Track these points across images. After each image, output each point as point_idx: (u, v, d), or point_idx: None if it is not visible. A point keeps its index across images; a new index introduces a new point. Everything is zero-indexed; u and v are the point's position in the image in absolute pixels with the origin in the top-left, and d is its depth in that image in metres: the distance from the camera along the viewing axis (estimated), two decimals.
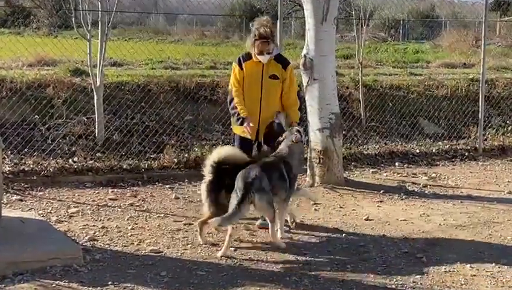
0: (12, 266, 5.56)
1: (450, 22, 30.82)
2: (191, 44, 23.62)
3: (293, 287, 5.53)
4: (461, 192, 9.04)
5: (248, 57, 7.15)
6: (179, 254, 6.26)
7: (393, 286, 5.60)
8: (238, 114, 7.04)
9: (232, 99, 7.15)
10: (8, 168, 8.74)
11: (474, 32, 25.55)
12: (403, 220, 7.60)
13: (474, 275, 5.90)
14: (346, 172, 9.71)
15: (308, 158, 9.29)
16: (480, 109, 11.95)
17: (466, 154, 11.51)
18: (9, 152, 9.19)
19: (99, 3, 9.54)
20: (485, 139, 12.14)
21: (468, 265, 6.12)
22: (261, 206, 6.25)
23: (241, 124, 7.02)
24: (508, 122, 13.18)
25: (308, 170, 9.27)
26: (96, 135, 9.77)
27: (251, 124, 6.96)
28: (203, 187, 6.58)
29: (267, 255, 6.32)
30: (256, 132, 7.13)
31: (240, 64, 7.13)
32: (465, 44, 23.58)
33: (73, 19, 10.02)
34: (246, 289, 5.45)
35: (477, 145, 11.80)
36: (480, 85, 12.06)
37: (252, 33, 7.06)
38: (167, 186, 8.85)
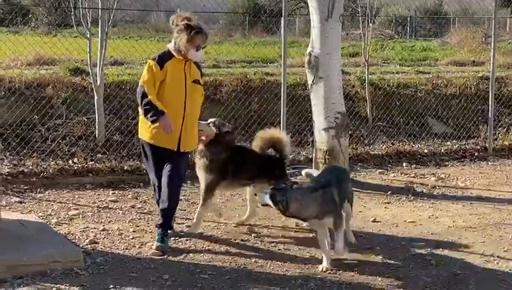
0: (12, 269, 5.57)
1: (459, 19, 30.73)
2: None
3: None
4: (471, 193, 9.04)
5: (169, 56, 6.36)
6: (182, 257, 6.27)
7: None
8: (156, 109, 6.13)
9: (143, 96, 6.22)
10: (7, 170, 8.76)
11: (484, 29, 25.50)
12: (411, 221, 7.60)
13: (485, 278, 5.89)
14: (353, 173, 9.71)
15: (314, 158, 9.30)
16: (490, 108, 11.94)
17: (476, 154, 11.50)
18: (8, 153, 9.23)
19: (99, 0, 9.56)
20: (495, 139, 12.12)
21: (479, 268, 6.12)
22: None
23: (155, 121, 6.17)
24: None
25: None
26: (97, 136, 9.79)
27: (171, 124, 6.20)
28: None
29: (273, 258, 6.32)
30: (178, 141, 6.36)
31: (160, 63, 6.27)
32: (474, 41, 23.51)
33: (72, 17, 10.06)
34: None
35: (487, 145, 11.79)
36: (490, 83, 12.05)
37: (184, 26, 6.25)
38: None
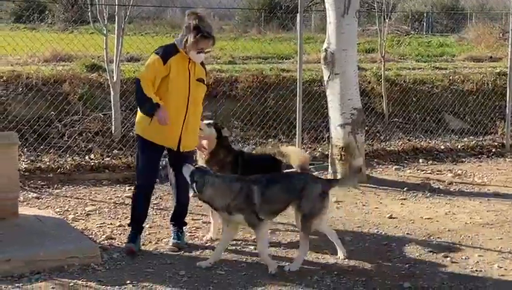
0: (30, 264, 5.60)
1: (476, 14, 30.59)
2: None
3: (315, 287, 5.53)
4: (488, 189, 8.99)
5: (174, 50, 6.13)
6: (198, 253, 6.28)
7: (419, 287, 5.57)
8: (150, 101, 5.93)
9: (139, 89, 6.02)
10: (25, 166, 8.81)
11: (501, 25, 25.33)
12: (428, 218, 7.58)
13: (502, 275, 5.87)
14: (369, 169, 9.70)
15: (330, 155, 9.29)
16: (507, 104, 11.85)
17: (493, 150, 11.44)
18: (25, 149, 9.28)
19: None
20: None
21: (496, 265, 6.09)
22: None
23: (152, 114, 5.96)
24: None
25: (329, 167, 9.27)
26: (113, 132, 9.82)
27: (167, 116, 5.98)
28: None
29: (288, 254, 6.33)
30: (178, 140, 6.18)
31: (164, 58, 6.05)
32: (491, 37, 23.38)
33: (89, 14, 10.09)
34: (266, 288, 5.47)
35: (504, 141, 11.73)
36: (508, 79, 11.96)
37: (192, 27, 6.01)
38: None
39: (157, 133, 6.11)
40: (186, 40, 6.04)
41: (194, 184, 5.79)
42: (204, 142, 6.67)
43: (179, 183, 6.33)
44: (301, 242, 5.98)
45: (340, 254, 6.20)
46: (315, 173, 9.46)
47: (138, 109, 6.22)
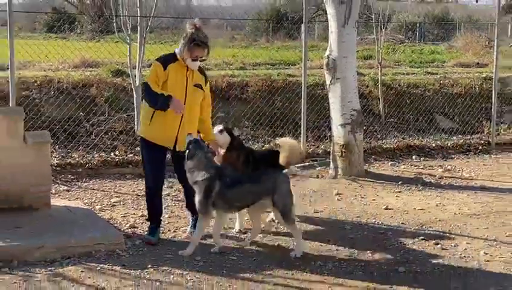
0: (61, 250, 5.62)
1: (464, 24, 30.44)
2: (222, 46, 23.61)
3: (318, 271, 5.52)
4: (475, 183, 8.95)
5: (173, 58, 6.07)
6: (212, 241, 6.27)
7: (412, 271, 5.56)
8: (162, 95, 5.87)
9: (147, 90, 6.00)
10: (56, 161, 8.84)
11: (487, 34, 25.23)
12: (420, 209, 7.55)
13: (488, 261, 5.84)
14: (367, 164, 9.67)
15: (331, 152, 9.27)
16: (492, 106, 11.82)
17: (479, 148, 11.38)
18: (57, 146, 9.30)
19: (138, 9, 9.58)
20: (498, 134, 12.00)
21: (482, 251, 6.06)
22: None
23: (167, 106, 5.88)
24: None
25: (331, 163, 9.25)
26: (136, 131, 9.81)
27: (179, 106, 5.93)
28: None
29: (294, 242, 6.30)
30: (175, 140, 6.08)
31: (163, 64, 5.99)
32: (478, 45, 23.27)
33: (114, 24, 10.08)
34: (274, 272, 5.46)
35: (490, 140, 11.67)
36: (493, 83, 11.93)
37: (188, 36, 5.97)
38: None
39: (156, 134, 6.05)
40: (182, 48, 6.00)
41: (187, 151, 5.80)
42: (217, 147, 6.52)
43: (182, 179, 6.21)
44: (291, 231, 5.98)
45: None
46: (317, 169, 9.49)
47: (142, 110, 6.19)
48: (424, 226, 6.87)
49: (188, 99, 6.05)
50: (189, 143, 5.83)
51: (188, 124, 6.08)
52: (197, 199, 5.83)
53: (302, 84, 10.18)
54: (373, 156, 10.43)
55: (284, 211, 5.86)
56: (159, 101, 5.92)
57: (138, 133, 6.33)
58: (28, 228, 5.95)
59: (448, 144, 11.39)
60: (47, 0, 33.58)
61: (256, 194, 5.88)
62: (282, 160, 6.24)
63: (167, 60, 6.05)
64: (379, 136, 11.52)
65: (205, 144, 6.08)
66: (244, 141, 9.18)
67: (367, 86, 12.67)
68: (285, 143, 6.53)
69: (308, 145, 10.35)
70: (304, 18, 10.19)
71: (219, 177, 5.79)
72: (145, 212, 7.00)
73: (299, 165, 9.65)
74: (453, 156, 10.86)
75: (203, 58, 6.08)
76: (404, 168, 9.86)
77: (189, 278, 5.27)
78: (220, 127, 6.67)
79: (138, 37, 9.66)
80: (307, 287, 5.16)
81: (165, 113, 5.96)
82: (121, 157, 9.26)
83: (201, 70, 6.24)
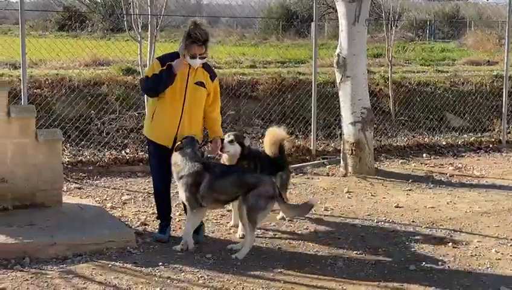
0: (72, 248, 5.64)
1: (475, 22, 30.33)
2: (232, 44, 23.63)
3: (328, 269, 5.52)
4: (486, 181, 8.91)
5: (176, 57, 5.94)
6: (223, 238, 6.28)
7: (423, 269, 5.54)
8: (161, 71, 5.79)
9: (146, 79, 5.98)
10: (68, 159, 8.87)
11: (498, 32, 25.10)
12: (431, 207, 7.52)
13: (499, 259, 5.82)
14: (377, 162, 9.64)
15: (342, 150, 9.25)
16: (503, 104, 11.76)
17: (490, 146, 11.34)
18: (68, 144, 9.33)
19: (149, 7, 9.60)
20: (509, 132, 11.94)
21: (493, 249, 6.04)
22: None
23: (173, 72, 5.80)
24: None
25: (341, 161, 9.23)
26: None
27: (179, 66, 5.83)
28: None
29: (304, 240, 6.31)
30: (173, 139, 5.95)
31: (162, 62, 5.91)
32: (488, 43, 23.18)
33: (125, 23, 10.10)
34: (284, 270, 5.45)
35: (501, 138, 11.62)
36: (504, 81, 11.86)
37: (186, 34, 5.88)
38: None
39: (156, 133, 6.03)
40: (181, 46, 5.94)
41: (179, 143, 5.81)
42: (225, 157, 6.43)
43: None
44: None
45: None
46: (328, 167, 9.48)
47: (147, 111, 6.12)
48: (434, 225, 6.85)
49: (188, 97, 5.94)
50: (184, 138, 5.83)
51: (188, 123, 5.98)
52: (184, 194, 5.80)
53: (313, 82, 10.17)
54: (383, 154, 10.40)
55: (251, 211, 5.68)
56: (163, 77, 5.81)
57: (144, 132, 6.33)
58: (40, 226, 5.97)
59: (459, 142, 11.35)
60: None
61: (238, 189, 5.76)
62: (266, 148, 6.42)
63: (167, 58, 5.97)
64: (389, 134, 11.49)
65: (197, 142, 5.94)
66: (254, 139, 9.18)
67: (377, 84, 12.63)
68: (269, 133, 6.70)
69: (318, 143, 10.33)
70: (314, 16, 10.18)
71: (206, 171, 5.75)
72: (156, 210, 7.01)
73: (310, 163, 9.66)
74: (463, 154, 10.82)
75: (202, 55, 5.93)
76: (414, 166, 9.83)
77: (200, 276, 5.28)
78: (231, 136, 6.41)
79: (149, 36, 9.67)
80: (317, 285, 5.15)
81: (164, 112, 5.93)
82: (131, 155, 9.28)
83: (207, 67, 6.13)
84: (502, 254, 5.95)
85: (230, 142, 6.35)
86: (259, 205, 5.68)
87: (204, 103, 6.08)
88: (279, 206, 5.99)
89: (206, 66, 6.11)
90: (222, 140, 6.28)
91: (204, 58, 6.00)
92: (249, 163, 6.45)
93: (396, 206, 7.54)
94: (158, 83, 5.86)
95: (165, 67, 5.84)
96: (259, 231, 6.39)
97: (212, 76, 6.13)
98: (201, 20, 6.16)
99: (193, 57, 5.88)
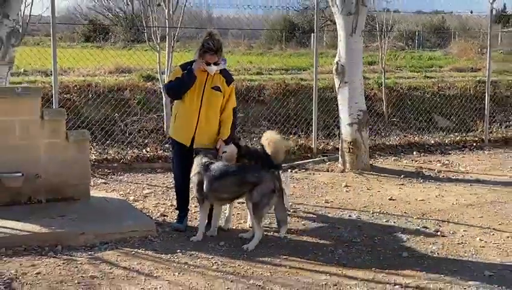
0: (99, 236, 5.66)
1: (459, 33, 30.18)
2: (241, 54, 23.59)
3: (329, 256, 5.51)
4: (470, 176, 8.88)
5: (193, 64, 5.98)
6: (234, 227, 6.28)
7: (415, 256, 5.53)
8: (183, 75, 5.88)
9: (169, 84, 6.12)
10: (94, 157, 8.88)
11: (479, 41, 24.98)
12: (421, 200, 7.50)
13: (483, 247, 5.80)
14: (372, 160, 9.62)
15: (340, 148, 9.24)
16: (486, 106, 11.72)
17: (474, 144, 11.30)
18: (94, 144, 9.34)
19: (166, 21, 9.61)
20: (491, 132, 11.89)
21: (478, 238, 6.02)
22: None
23: (193, 75, 5.88)
24: (510, 117, 12.94)
25: (340, 158, 9.22)
26: (165, 130, 9.83)
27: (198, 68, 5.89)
28: None
29: (307, 229, 6.31)
30: (192, 139, 5.98)
31: (183, 68, 5.97)
32: (471, 51, 23.07)
33: (145, 34, 10.10)
34: (290, 256, 5.45)
35: (483, 137, 11.58)
36: (486, 86, 11.83)
37: (200, 44, 5.93)
38: None
39: (178, 132, 6.06)
40: (198, 53, 5.95)
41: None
42: (224, 157, 6.29)
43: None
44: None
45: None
46: (327, 163, 9.47)
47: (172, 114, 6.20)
48: (424, 215, 6.83)
49: (204, 101, 5.94)
50: (200, 153, 5.86)
51: (205, 124, 5.97)
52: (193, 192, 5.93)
53: (314, 87, 10.16)
54: (377, 152, 10.37)
55: (256, 208, 5.63)
56: (185, 79, 5.87)
57: (169, 134, 6.34)
58: (70, 217, 5.98)
59: (446, 141, 11.31)
60: (84, 13, 33.75)
61: (239, 187, 5.72)
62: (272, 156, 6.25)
63: (187, 65, 6.01)
64: (383, 134, 11.46)
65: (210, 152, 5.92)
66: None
67: (372, 89, 12.60)
68: (269, 141, 6.41)
69: (319, 142, 10.32)
70: (315, 28, 10.17)
71: (207, 172, 5.73)
72: (174, 202, 7.00)
73: (311, 160, 9.65)
74: (450, 152, 10.79)
75: (217, 62, 5.91)
76: (406, 163, 9.81)
77: (214, 262, 5.28)
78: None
79: (166, 46, 9.69)
80: (319, 270, 5.14)
81: (184, 115, 5.97)
82: (151, 154, 9.29)
83: (225, 73, 6.08)
84: (486, 242, 5.93)
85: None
86: (263, 201, 5.63)
87: (219, 106, 6.04)
88: (276, 200, 5.75)
89: (224, 72, 6.08)
90: (235, 142, 6.20)
91: (218, 64, 5.95)
92: (249, 161, 6.32)
93: (390, 199, 7.52)
94: (180, 85, 5.93)
95: (185, 71, 5.90)
96: (266, 221, 6.39)
97: (228, 81, 6.09)
98: (216, 31, 6.09)
99: (208, 64, 5.89)
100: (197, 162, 5.82)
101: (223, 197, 5.85)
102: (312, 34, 10.11)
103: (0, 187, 6.24)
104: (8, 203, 6.28)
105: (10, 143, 6.31)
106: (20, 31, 7.19)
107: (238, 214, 6.73)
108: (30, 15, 7.47)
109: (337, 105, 9.40)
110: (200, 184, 5.78)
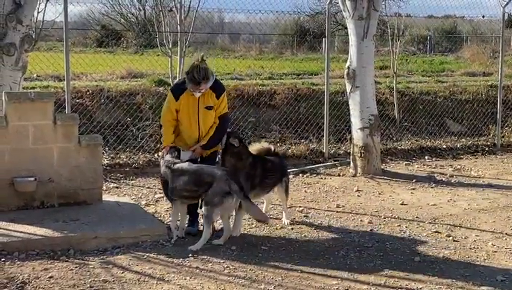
0: (111, 240, 5.68)
1: (471, 37, 30.05)
2: (252, 58, 23.63)
3: (341, 260, 5.50)
4: (483, 181, 8.83)
5: (184, 88, 6.13)
6: (245, 232, 6.27)
7: (427, 260, 5.50)
8: (164, 139, 6.32)
9: (163, 130, 6.37)
10: (106, 161, 8.91)
11: (492, 46, 24.85)
12: (433, 204, 7.47)
13: (495, 251, 5.76)
14: (383, 164, 9.59)
15: (351, 152, 9.22)
16: (498, 111, 11.67)
17: (486, 149, 11.24)
18: (107, 148, 9.37)
19: (178, 26, 9.64)
20: (503, 137, 11.83)
21: (490, 243, 5.99)
22: None
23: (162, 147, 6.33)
24: None
25: (351, 163, 9.20)
26: None
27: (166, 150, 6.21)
28: None
29: (319, 233, 6.30)
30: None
31: (175, 96, 6.16)
32: (483, 56, 22.93)
33: (157, 39, 10.13)
34: (302, 260, 5.44)
35: (495, 142, 11.52)
36: (498, 90, 11.77)
37: (186, 72, 6.11)
38: None
39: (181, 145, 6.28)
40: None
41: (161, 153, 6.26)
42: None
43: None
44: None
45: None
46: (339, 168, 9.44)
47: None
48: (436, 220, 6.80)
49: (201, 119, 6.18)
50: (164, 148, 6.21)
51: (206, 137, 6.24)
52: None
53: (325, 92, 10.15)
54: (389, 157, 10.34)
55: (206, 207, 5.71)
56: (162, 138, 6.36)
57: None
58: (82, 221, 6.01)
59: (458, 146, 11.25)
60: (97, 18, 33.91)
61: (195, 186, 5.80)
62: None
63: (179, 90, 6.16)
64: (394, 138, 11.42)
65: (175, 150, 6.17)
66: (272, 143, 9.14)
67: (383, 93, 12.56)
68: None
69: (330, 147, 10.30)
70: (326, 33, 10.16)
71: (170, 172, 5.93)
72: None
73: (323, 164, 9.64)
74: (462, 156, 10.73)
75: (200, 90, 6.05)
76: (417, 167, 9.77)
77: (225, 266, 5.28)
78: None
79: (178, 51, 9.72)
80: (331, 275, 5.13)
81: (185, 132, 6.23)
82: None
83: (214, 85, 6.16)
84: (498, 247, 5.89)
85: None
86: (213, 201, 5.68)
87: (213, 120, 6.26)
88: (241, 202, 5.80)
89: (213, 85, 6.16)
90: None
91: (204, 90, 6.06)
92: (255, 169, 6.31)
93: (402, 204, 7.50)
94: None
95: (164, 144, 6.26)
96: (277, 224, 6.39)
97: (218, 94, 6.21)
98: (204, 63, 6.08)
99: (195, 91, 6.07)
100: (163, 163, 6.07)
101: (184, 195, 5.94)
102: (323, 39, 10.11)
103: (13, 191, 6.30)
104: (21, 208, 6.33)
105: (23, 148, 6.35)
106: (34, 36, 7.25)
107: (249, 218, 6.72)
108: (43, 21, 7.54)
109: (348, 109, 9.38)
110: (165, 183, 6.02)
